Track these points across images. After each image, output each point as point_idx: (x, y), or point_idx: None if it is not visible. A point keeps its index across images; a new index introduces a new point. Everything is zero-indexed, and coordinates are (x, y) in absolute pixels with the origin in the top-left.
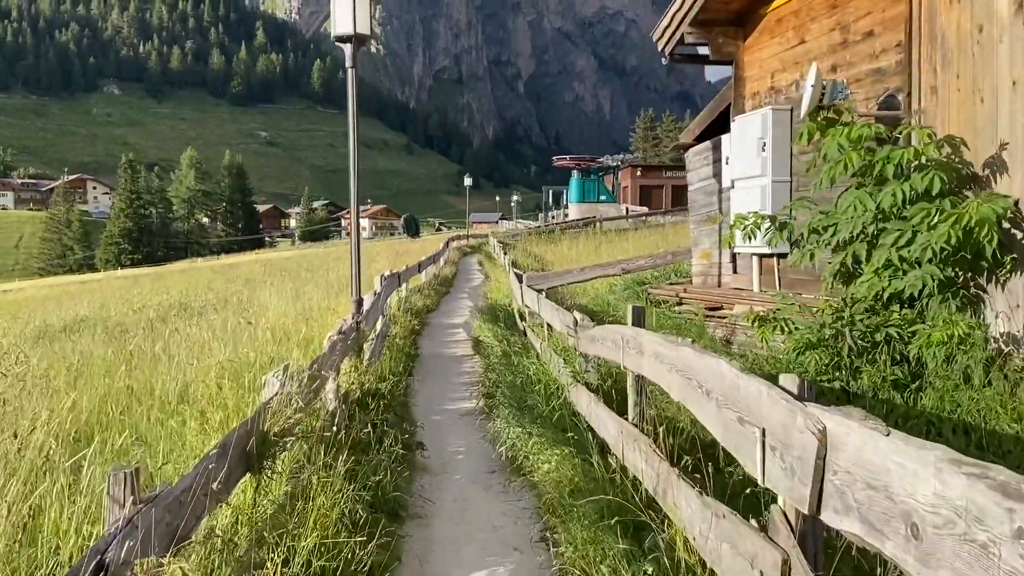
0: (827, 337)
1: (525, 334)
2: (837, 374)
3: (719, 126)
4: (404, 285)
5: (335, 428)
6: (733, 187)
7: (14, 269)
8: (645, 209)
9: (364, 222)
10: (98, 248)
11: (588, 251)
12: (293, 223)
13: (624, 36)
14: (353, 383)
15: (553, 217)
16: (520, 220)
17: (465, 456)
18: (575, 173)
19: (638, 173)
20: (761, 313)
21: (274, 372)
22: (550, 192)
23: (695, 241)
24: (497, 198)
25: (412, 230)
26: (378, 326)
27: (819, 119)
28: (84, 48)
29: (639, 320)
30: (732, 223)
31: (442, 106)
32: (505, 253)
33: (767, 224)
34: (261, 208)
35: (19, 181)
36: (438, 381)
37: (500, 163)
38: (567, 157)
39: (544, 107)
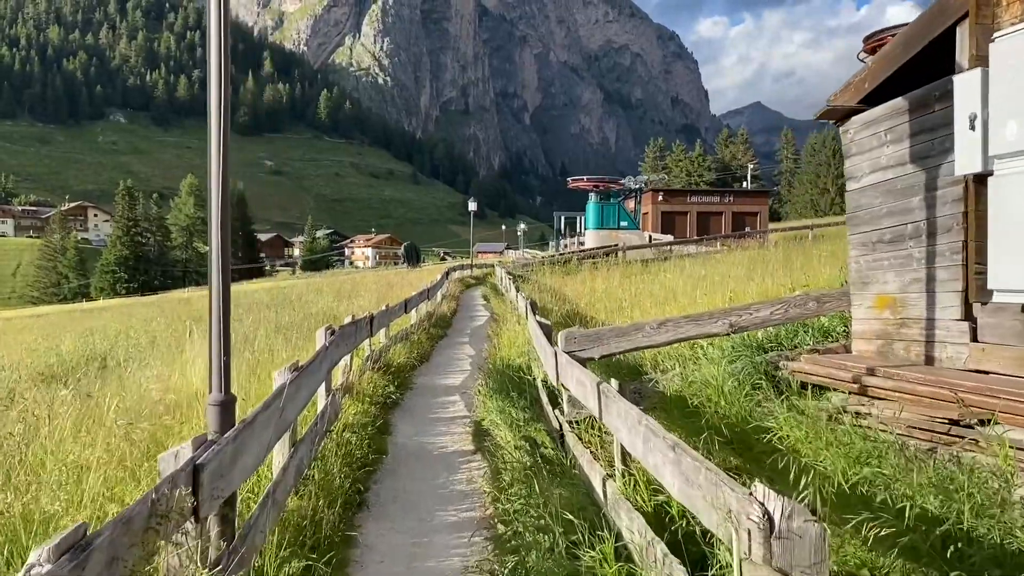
0: None
1: (563, 438)
2: None
3: (917, 74)
4: (383, 331)
5: None
6: (992, 172)
7: (10, 297)
8: (670, 237)
9: (367, 251)
10: (94, 276)
11: (620, 286)
12: (297, 252)
13: (629, 69)
14: None
15: (566, 246)
16: (527, 249)
17: None
18: (592, 196)
19: (660, 198)
20: None
21: None
22: (562, 219)
23: (862, 277)
24: (504, 227)
25: (413, 259)
26: (319, 404)
27: None
28: (91, 77)
29: None
30: None
31: (449, 137)
32: (517, 289)
33: None
34: (265, 237)
35: (20, 208)
36: (410, 521)
37: (506, 193)
38: (584, 178)
39: (550, 139)
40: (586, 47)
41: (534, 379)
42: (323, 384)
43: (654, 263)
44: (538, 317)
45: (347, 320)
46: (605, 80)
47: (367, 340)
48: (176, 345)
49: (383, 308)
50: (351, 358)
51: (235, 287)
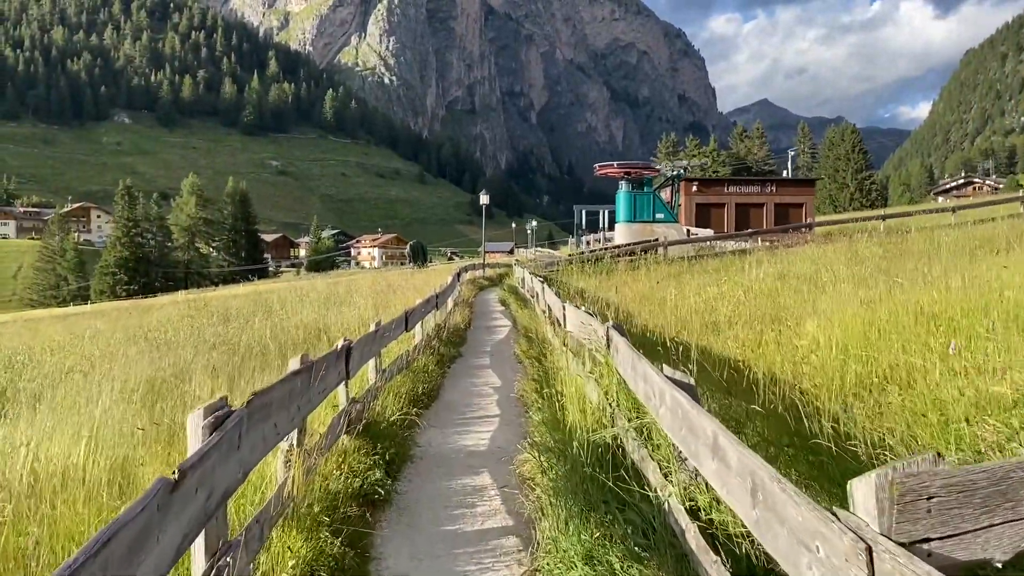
0: None
1: None
2: None
3: None
4: (372, 362)
5: None
6: None
7: (11, 300)
8: (711, 232)
9: (374, 251)
10: (93, 278)
11: (694, 292)
12: (303, 252)
13: (636, 67)
14: None
15: (588, 243)
16: (539, 248)
17: None
18: (623, 185)
19: (694, 188)
20: None
21: None
22: (583, 212)
23: None
24: (514, 225)
25: (420, 258)
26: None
27: None
28: (96, 77)
29: None
30: None
31: (455, 136)
32: (558, 295)
33: None
34: (270, 237)
35: (21, 209)
36: None
37: (513, 192)
38: (614, 164)
39: (557, 137)
40: (592, 45)
41: (657, 496)
42: (201, 552)
43: (705, 260)
44: (668, 371)
45: (293, 366)
46: (612, 78)
47: (342, 385)
48: (83, 380)
49: (372, 329)
50: (300, 435)
51: (212, 294)
